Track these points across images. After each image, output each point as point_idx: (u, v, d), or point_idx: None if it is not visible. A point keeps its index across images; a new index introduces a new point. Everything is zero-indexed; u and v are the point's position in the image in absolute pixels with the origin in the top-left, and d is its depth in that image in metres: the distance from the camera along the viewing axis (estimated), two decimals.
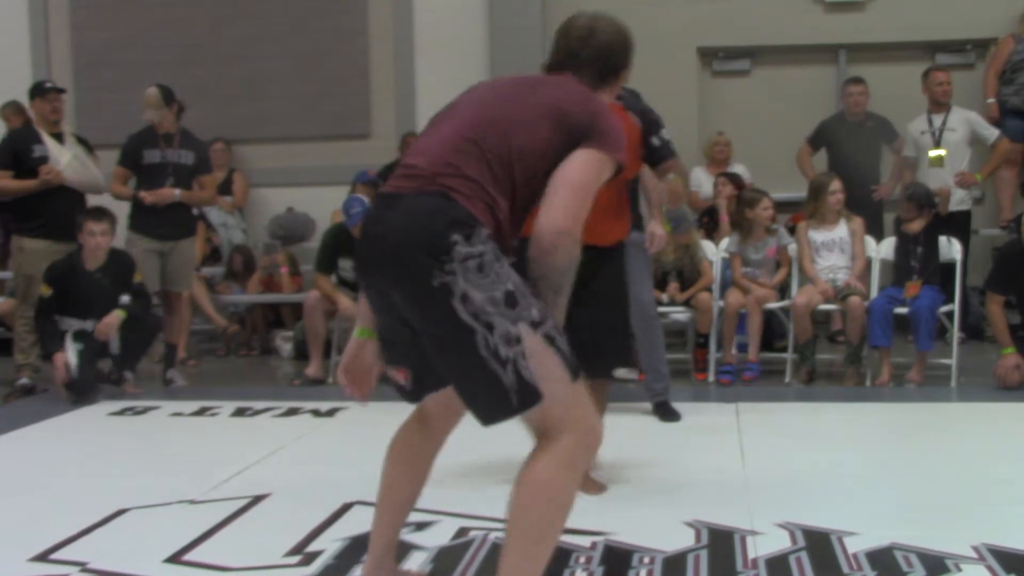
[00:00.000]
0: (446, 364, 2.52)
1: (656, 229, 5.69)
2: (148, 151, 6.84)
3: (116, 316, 6.39)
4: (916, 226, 6.64)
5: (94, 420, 5.92)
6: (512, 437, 4.21)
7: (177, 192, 6.80)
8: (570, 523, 3.53)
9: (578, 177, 2.55)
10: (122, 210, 6.94)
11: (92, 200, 7.00)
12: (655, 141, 4.62)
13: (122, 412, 6.06)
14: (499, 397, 2.42)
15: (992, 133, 7.97)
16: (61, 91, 7.16)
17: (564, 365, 2.46)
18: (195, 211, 8.29)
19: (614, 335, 4.10)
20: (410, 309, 2.50)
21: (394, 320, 2.60)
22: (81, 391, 6.35)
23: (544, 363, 2.43)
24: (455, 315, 2.40)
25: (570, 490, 2.50)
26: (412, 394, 2.81)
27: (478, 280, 2.41)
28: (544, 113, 2.63)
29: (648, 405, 5.75)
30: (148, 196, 6.73)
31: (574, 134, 2.60)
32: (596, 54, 2.92)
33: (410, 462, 2.99)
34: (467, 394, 2.51)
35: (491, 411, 2.48)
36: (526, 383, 2.41)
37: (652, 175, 5.67)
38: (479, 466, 4.52)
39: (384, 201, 2.62)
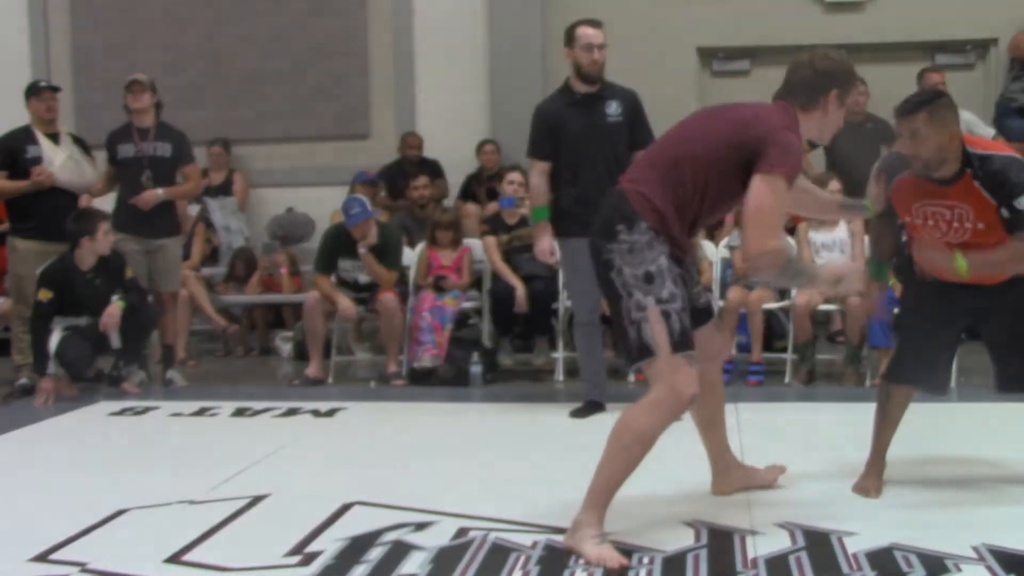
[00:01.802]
0: (613, 318, 3.44)
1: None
2: (122, 146, 6.81)
3: (117, 306, 6.41)
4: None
5: (93, 420, 5.92)
6: (510, 440, 4.23)
7: (160, 191, 6.77)
8: (569, 523, 3.55)
9: (754, 207, 3.27)
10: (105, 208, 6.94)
11: (98, 199, 7.00)
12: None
13: (122, 412, 6.06)
14: (628, 348, 3.35)
15: (988, 133, 7.97)
16: (56, 89, 7.16)
17: (669, 337, 3.26)
18: (196, 211, 8.30)
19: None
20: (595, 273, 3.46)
21: None
22: (74, 369, 6.41)
23: (657, 331, 3.26)
24: (612, 283, 3.33)
25: (646, 425, 3.31)
26: None
27: (629, 259, 3.29)
28: (721, 132, 3.40)
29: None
30: (135, 201, 6.72)
31: (744, 153, 3.31)
32: (800, 81, 3.55)
33: (704, 389, 3.57)
34: (616, 340, 3.71)
35: (627, 356, 3.42)
36: (643, 342, 3.28)
37: None
38: (479, 467, 4.52)
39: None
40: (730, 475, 3.97)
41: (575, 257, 5.59)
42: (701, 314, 3.63)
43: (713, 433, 3.91)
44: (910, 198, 3.78)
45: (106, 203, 7.02)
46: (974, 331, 4.10)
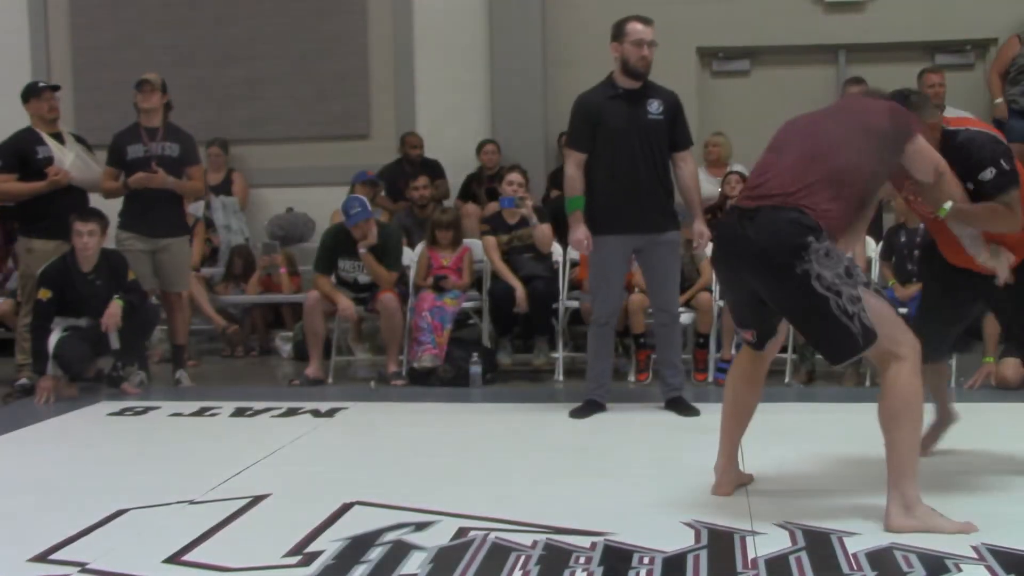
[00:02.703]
0: (807, 327, 3.66)
1: (702, 228, 5.74)
2: (131, 146, 6.80)
3: (117, 305, 6.41)
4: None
5: (93, 420, 5.92)
6: (510, 440, 4.23)
7: (170, 179, 6.77)
8: (570, 522, 3.55)
9: (934, 163, 3.70)
10: (113, 209, 6.93)
11: (94, 199, 6.99)
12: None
13: (121, 412, 6.06)
14: (851, 342, 3.45)
15: None
16: (55, 88, 7.16)
17: (889, 305, 3.58)
18: (197, 210, 8.30)
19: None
20: (774, 293, 3.57)
21: (746, 296, 3.69)
22: (72, 370, 6.41)
23: (878, 310, 3.48)
24: (814, 291, 3.42)
25: (915, 387, 3.48)
26: (757, 345, 3.84)
27: (827, 263, 3.42)
28: (857, 132, 3.62)
29: (652, 405, 5.76)
30: (140, 177, 6.70)
31: (886, 141, 3.60)
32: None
33: (751, 379, 3.94)
34: (825, 345, 3.59)
35: (844, 353, 3.54)
36: (868, 328, 3.43)
37: (693, 173, 5.74)
38: (479, 467, 4.52)
39: (745, 213, 3.59)
40: (731, 475, 4.00)
41: (607, 256, 5.59)
42: None
43: (743, 423, 4.00)
44: (903, 175, 3.84)
45: (101, 203, 6.99)
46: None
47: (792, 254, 3.43)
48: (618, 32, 5.60)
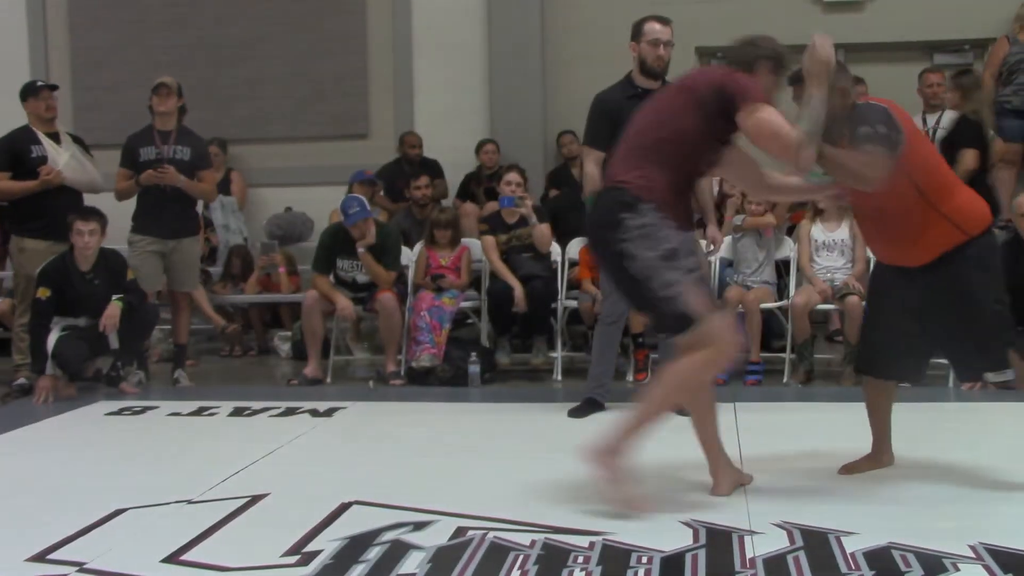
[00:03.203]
0: (631, 302, 3.88)
1: (715, 233, 5.74)
2: (144, 149, 6.83)
3: (116, 306, 6.41)
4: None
5: (91, 420, 5.91)
6: (508, 440, 4.23)
7: (182, 177, 6.78)
8: (568, 522, 3.55)
9: (766, 133, 3.54)
10: (124, 212, 6.94)
11: (89, 200, 6.99)
12: None
13: (120, 412, 6.05)
14: (668, 324, 3.64)
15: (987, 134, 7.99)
16: (53, 88, 7.16)
17: (710, 300, 3.64)
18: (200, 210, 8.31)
19: (966, 343, 3.93)
20: (604, 272, 4.08)
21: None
22: (70, 369, 6.42)
23: (696, 299, 3.53)
24: (626, 271, 3.57)
25: (692, 374, 3.63)
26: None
27: (643, 244, 3.52)
28: (682, 102, 3.67)
29: None
30: (152, 174, 6.71)
31: (707, 100, 3.60)
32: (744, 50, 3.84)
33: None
34: (653, 323, 3.88)
35: (667, 332, 3.72)
36: (681, 313, 3.53)
37: (707, 178, 5.72)
38: (477, 467, 4.52)
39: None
40: (728, 475, 3.99)
41: None
42: None
43: (705, 432, 3.97)
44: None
45: (100, 202, 6.98)
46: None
47: (609, 232, 3.59)
48: (636, 32, 5.61)
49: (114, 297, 6.45)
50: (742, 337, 3.75)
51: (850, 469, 4.20)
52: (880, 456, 4.26)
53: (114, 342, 6.53)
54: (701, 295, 3.60)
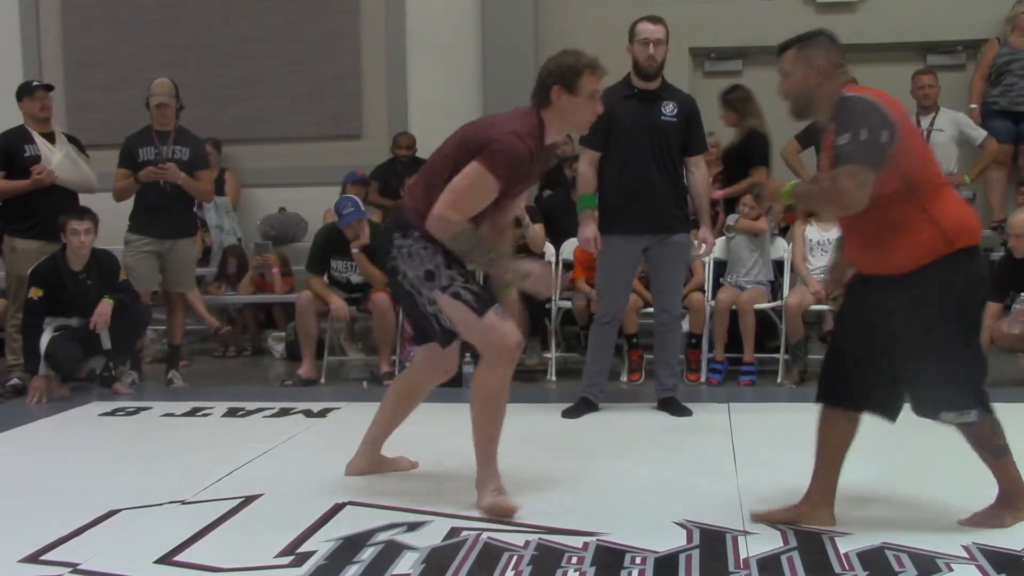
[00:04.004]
0: (409, 317, 4.20)
1: (707, 235, 5.75)
2: (143, 149, 6.84)
3: (107, 304, 6.41)
4: None
5: (85, 421, 5.91)
6: (502, 440, 4.23)
7: (182, 174, 6.78)
8: (562, 523, 3.56)
9: (455, 182, 3.75)
10: (120, 212, 6.93)
11: (84, 200, 6.98)
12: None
13: (113, 413, 6.05)
14: (438, 337, 3.92)
15: (980, 134, 8.02)
16: (49, 88, 7.15)
17: (470, 309, 3.78)
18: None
19: (925, 373, 3.41)
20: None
21: None
22: (63, 369, 6.44)
23: (454, 314, 3.81)
24: (401, 285, 3.89)
25: (492, 384, 3.89)
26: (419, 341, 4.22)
27: (410, 263, 3.83)
28: (456, 141, 3.93)
29: (645, 405, 5.77)
30: (151, 170, 6.71)
31: (470, 152, 3.77)
32: (537, 82, 3.92)
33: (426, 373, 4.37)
34: (431, 333, 3.95)
35: (440, 344, 3.96)
36: (445, 328, 3.87)
37: (704, 178, 5.74)
38: (471, 468, 4.51)
39: None
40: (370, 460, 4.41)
41: (614, 256, 5.59)
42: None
43: (396, 414, 4.45)
44: (824, 149, 3.55)
45: (93, 202, 6.98)
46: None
47: (385, 252, 3.93)
48: (631, 33, 5.63)
49: (105, 296, 6.44)
50: (511, 326, 3.82)
51: (764, 517, 3.61)
52: (816, 508, 3.57)
53: (106, 342, 6.52)
54: (462, 306, 3.79)
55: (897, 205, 3.32)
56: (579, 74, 3.83)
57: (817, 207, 3.58)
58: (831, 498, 3.58)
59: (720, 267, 7.13)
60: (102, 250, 6.65)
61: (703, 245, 5.81)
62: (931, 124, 7.88)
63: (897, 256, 3.36)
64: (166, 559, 3.37)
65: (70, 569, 3.29)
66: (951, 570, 3.09)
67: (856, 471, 4.23)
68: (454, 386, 6.71)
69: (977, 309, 3.53)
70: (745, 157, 7.37)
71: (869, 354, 3.46)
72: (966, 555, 3.19)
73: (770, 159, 7.48)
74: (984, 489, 3.99)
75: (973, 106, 8.54)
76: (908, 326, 3.36)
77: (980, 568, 3.10)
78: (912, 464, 4.35)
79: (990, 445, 3.50)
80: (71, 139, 7.17)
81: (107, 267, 6.57)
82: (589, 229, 5.57)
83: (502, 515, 3.69)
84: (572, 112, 3.87)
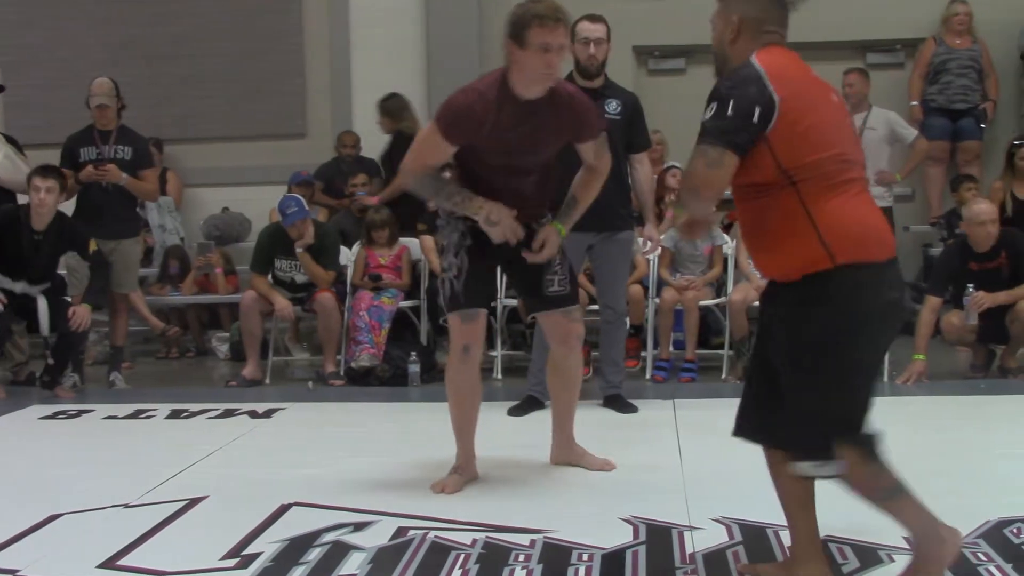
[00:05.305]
0: None
1: (653, 232, 5.76)
2: (84, 149, 6.78)
3: (86, 309, 6.43)
4: None
5: (24, 424, 5.82)
6: (448, 439, 4.23)
7: (124, 175, 6.71)
8: (509, 520, 3.56)
9: (416, 138, 4.20)
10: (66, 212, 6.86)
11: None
12: None
13: (54, 416, 5.96)
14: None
15: (910, 133, 8.14)
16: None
17: (446, 300, 4.08)
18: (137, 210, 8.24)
19: (784, 408, 2.89)
20: None
21: None
22: None
23: (445, 295, 4.06)
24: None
25: (447, 374, 4.22)
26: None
27: (439, 234, 4.18)
28: None
29: (591, 402, 5.78)
30: (91, 171, 6.62)
31: None
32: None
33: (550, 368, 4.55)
34: None
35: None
36: (446, 297, 4.09)
37: (648, 175, 5.74)
38: (417, 467, 4.51)
39: None
40: (565, 450, 4.51)
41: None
42: (550, 300, 4.17)
43: (555, 406, 4.56)
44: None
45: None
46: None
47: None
48: (571, 32, 5.61)
49: (84, 303, 6.39)
50: (467, 329, 4.06)
51: (752, 570, 3.15)
52: (806, 564, 2.99)
53: (45, 329, 6.43)
54: (443, 293, 4.10)
55: (777, 199, 2.77)
56: (526, 27, 3.72)
57: (682, 200, 2.94)
58: (818, 546, 3.00)
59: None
60: (72, 220, 6.59)
61: (648, 243, 5.84)
62: (864, 123, 8.00)
63: (781, 259, 2.81)
64: (109, 563, 3.33)
65: (10, 575, 3.24)
66: (893, 561, 3.14)
67: None
68: (398, 385, 6.73)
69: (860, 342, 2.76)
70: (398, 158, 7.49)
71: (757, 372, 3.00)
72: (907, 545, 3.22)
73: None
74: (924, 480, 4.06)
75: (913, 103, 8.67)
76: (784, 346, 2.82)
77: None
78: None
79: (876, 490, 2.88)
80: (9, 139, 7.09)
81: (71, 236, 6.51)
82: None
83: (444, 490, 4.06)
84: (524, 65, 3.76)
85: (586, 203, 4.23)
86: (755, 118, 2.68)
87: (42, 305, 6.49)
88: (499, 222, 3.91)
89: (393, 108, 7.97)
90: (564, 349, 4.32)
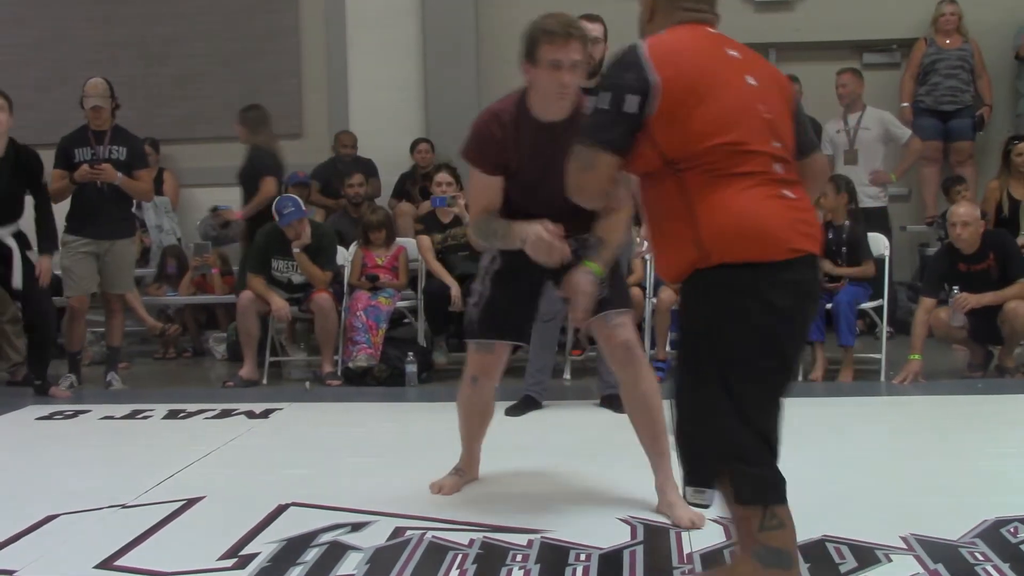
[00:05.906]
0: None
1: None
2: (79, 149, 6.75)
3: (47, 260, 6.50)
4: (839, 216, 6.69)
5: (21, 425, 5.81)
6: (445, 439, 4.23)
7: (119, 174, 6.70)
8: (506, 521, 3.56)
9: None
10: (59, 214, 6.84)
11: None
12: None
13: (51, 416, 5.95)
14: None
15: (904, 133, 8.14)
16: None
17: (466, 326, 4.02)
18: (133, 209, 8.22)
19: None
20: None
21: None
22: None
23: (469, 321, 3.97)
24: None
25: (459, 393, 4.17)
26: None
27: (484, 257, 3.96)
28: None
29: (588, 402, 5.79)
30: (86, 171, 6.62)
31: None
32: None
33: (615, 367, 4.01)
34: None
35: None
36: (467, 323, 4.02)
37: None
38: (415, 467, 4.51)
39: None
40: (659, 493, 3.78)
41: None
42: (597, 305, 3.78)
43: (641, 442, 3.84)
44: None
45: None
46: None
47: None
48: None
49: (40, 251, 6.48)
50: (474, 371, 4.03)
51: None
52: None
53: (18, 281, 6.47)
54: (468, 320, 4.01)
55: (661, 191, 2.53)
56: (536, 43, 3.58)
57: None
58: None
59: None
60: (26, 147, 6.58)
61: (646, 243, 5.84)
62: (858, 122, 8.01)
63: (664, 259, 2.59)
64: (106, 564, 3.33)
65: None
66: (890, 560, 3.14)
67: (795, 464, 4.29)
68: (395, 385, 6.73)
69: (742, 353, 2.41)
70: (255, 172, 7.52)
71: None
72: (904, 545, 3.24)
73: (281, 172, 7.69)
74: (919, 480, 4.06)
75: (904, 104, 8.68)
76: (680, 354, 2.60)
77: (918, 558, 3.14)
78: (850, 457, 4.41)
79: (756, 546, 2.46)
80: None
81: (27, 163, 6.50)
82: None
83: (434, 490, 4.09)
84: (538, 84, 3.59)
85: (616, 243, 3.76)
86: (629, 107, 2.44)
87: (17, 255, 6.48)
88: (537, 241, 3.50)
89: (251, 120, 7.77)
90: (624, 373, 3.79)
